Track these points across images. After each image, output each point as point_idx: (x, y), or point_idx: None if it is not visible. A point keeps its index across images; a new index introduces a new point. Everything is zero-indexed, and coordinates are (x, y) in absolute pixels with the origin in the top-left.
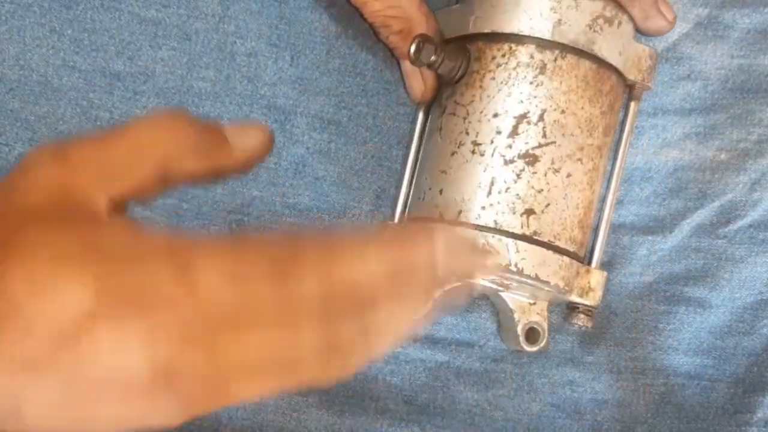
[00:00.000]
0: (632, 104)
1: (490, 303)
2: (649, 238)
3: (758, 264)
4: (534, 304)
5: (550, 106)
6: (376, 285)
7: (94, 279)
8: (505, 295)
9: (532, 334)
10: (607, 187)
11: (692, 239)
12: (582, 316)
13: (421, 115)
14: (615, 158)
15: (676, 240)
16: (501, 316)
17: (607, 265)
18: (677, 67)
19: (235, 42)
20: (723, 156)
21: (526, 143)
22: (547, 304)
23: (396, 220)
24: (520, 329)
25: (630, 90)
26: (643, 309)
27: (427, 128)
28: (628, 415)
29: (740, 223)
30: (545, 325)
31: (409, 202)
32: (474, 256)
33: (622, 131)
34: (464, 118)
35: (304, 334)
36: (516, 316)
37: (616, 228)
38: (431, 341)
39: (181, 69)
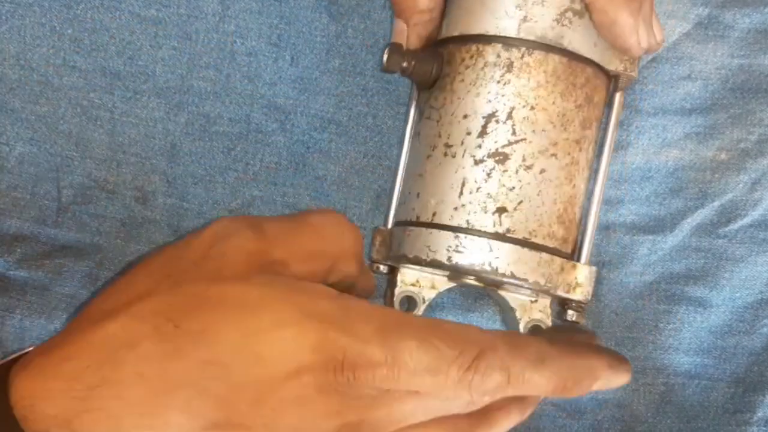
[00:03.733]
0: (617, 95)
1: (492, 302)
2: (650, 237)
3: (758, 263)
4: (535, 301)
5: (519, 103)
6: (540, 392)
7: (313, 342)
8: (505, 293)
9: (535, 332)
10: (594, 181)
11: (692, 239)
12: (572, 312)
13: (412, 118)
14: (601, 152)
15: (677, 239)
16: (503, 314)
17: (607, 265)
18: (677, 66)
19: (236, 41)
20: (723, 156)
21: (495, 142)
22: (550, 301)
23: (389, 225)
24: (522, 327)
25: (615, 81)
26: (643, 308)
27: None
28: (629, 414)
29: (740, 222)
30: (548, 322)
31: None
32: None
33: (608, 123)
34: (437, 122)
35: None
36: (517, 314)
37: (616, 227)
38: None
39: (181, 68)
